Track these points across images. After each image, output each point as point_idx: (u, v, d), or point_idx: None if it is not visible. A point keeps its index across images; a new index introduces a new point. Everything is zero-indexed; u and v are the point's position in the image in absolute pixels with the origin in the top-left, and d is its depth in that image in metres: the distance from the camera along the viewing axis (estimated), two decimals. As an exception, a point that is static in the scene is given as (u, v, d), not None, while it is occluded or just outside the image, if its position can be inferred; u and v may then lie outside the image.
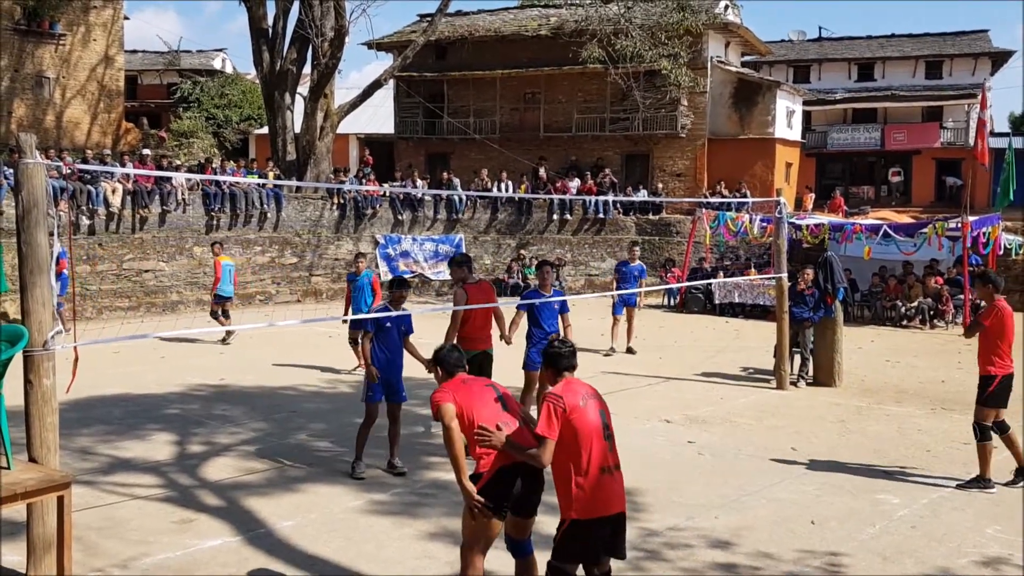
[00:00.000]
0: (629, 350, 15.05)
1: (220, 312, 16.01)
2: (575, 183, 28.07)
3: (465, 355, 5.52)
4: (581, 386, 4.79)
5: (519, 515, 4.90)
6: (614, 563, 4.93)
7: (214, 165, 23.68)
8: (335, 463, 8.37)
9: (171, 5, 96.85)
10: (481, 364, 8.50)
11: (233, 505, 7.12)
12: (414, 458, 8.50)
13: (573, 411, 4.58)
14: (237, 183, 22.02)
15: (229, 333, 15.53)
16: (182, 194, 21.00)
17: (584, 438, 4.57)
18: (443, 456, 8.49)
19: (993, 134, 28.62)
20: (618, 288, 15.33)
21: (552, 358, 4.91)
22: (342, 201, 24.35)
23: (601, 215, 26.59)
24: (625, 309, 15.33)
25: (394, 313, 8.11)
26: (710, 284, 21.44)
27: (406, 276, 24.59)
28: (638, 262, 15.80)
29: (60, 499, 4.94)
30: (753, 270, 22.07)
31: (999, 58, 37.07)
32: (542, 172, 28.62)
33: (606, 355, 14.95)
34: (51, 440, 5.10)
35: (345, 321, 13.16)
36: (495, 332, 9.01)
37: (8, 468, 4.98)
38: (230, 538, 6.43)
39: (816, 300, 12.65)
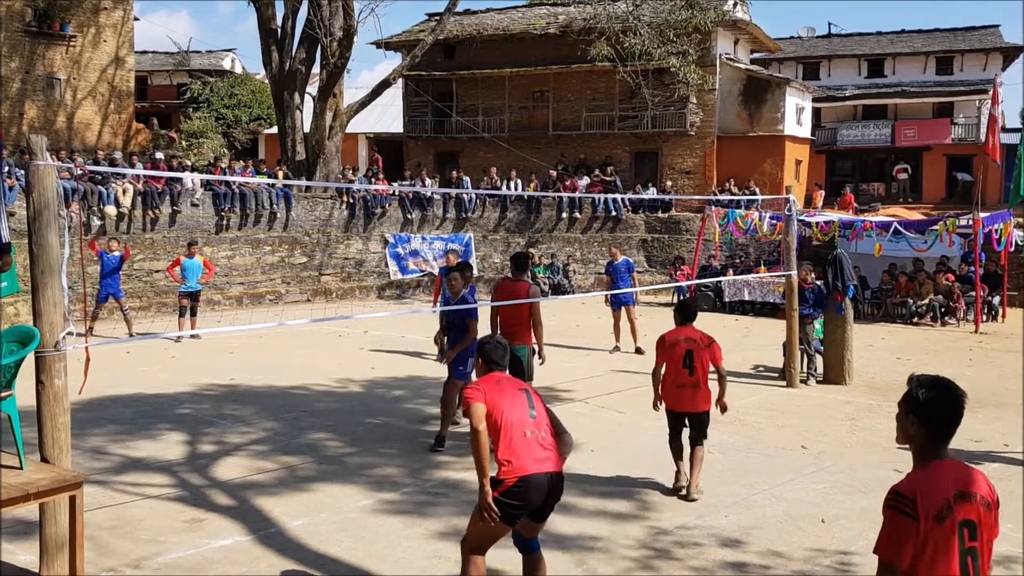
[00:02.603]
0: (638, 350, 15.02)
1: (188, 310, 16.02)
2: (584, 181, 28.07)
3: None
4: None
5: (533, 519, 4.86)
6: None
7: (223, 165, 23.73)
8: (345, 462, 8.40)
9: (184, 6, 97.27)
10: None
11: (244, 504, 7.15)
12: (424, 457, 8.51)
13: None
14: (247, 183, 22.09)
15: (181, 337, 15.22)
16: (199, 194, 21.16)
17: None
18: (453, 455, 8.51)
19: (1004, 130, 28.44)
20: (613, 287, 15.38)
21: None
22: (351, 200, 24.41)
23: (614, 213, 26.59)
24: (624, 308, 15.31)
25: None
26: (720, 282, 21.41)
27: (416, 274, 24.88)
28: (622, 258, 15.82)
29: (72, 499, 4.97)
30: (763, 268, 22.02)
31: (1010, 53, 36.86)
32: (552, 173, 28.61)
33: (611, 353, 14.97)
34: (63, 440, 5.13)
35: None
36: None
37: (21, 468, 5.01)
38: (241, 537, 6.45)
39: (816, 296, 12.65)
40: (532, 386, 5.29)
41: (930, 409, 3.09)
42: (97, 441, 8.96)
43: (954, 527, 2.95)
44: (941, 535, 2.93)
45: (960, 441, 9.34)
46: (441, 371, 13.25)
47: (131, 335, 15.15)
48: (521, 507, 4.67)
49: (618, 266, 15.58)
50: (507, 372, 5.18)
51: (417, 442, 9.07)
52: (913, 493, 2.95)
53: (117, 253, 16.19)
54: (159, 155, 25.51)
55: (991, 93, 21.80)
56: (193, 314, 16.18)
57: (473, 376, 6.48)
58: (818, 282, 13.03)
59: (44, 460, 5.10)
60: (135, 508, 7.02)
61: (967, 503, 3.00)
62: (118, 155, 23.01)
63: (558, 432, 4.92)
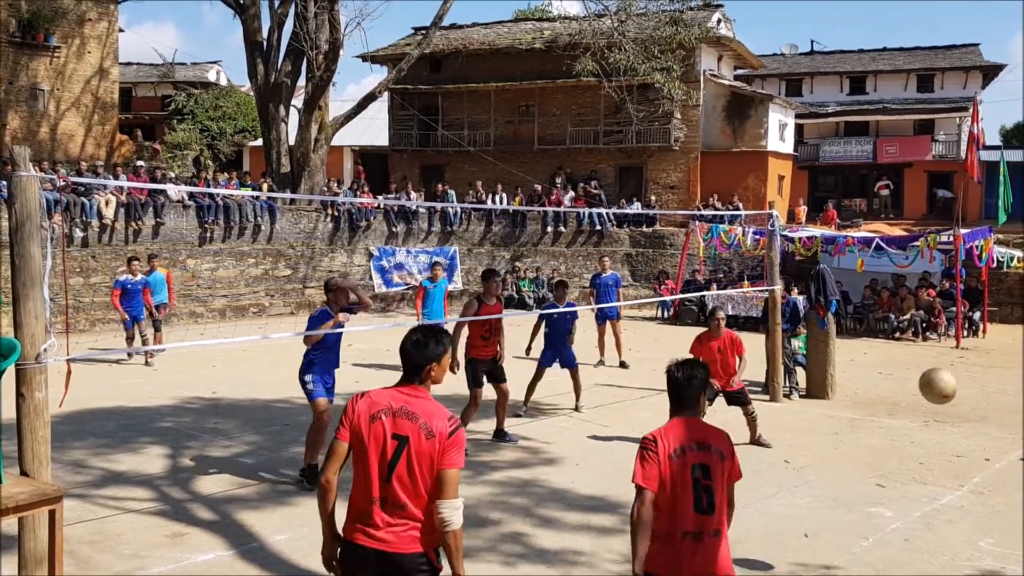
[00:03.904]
0: (622, 364, 15.04)
1: (152, 326, 15.04)
2: (569, 195, 28.17)
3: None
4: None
5: None
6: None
7: (207, 177, 23.66)
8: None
9: (170, 18, 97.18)
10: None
11: (226, 519, 7.09)
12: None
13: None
14: (231, 195, 22.03)
15: (148, 355, 14.72)
16: (181, 202, 21.04)
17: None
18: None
19: (984, 147, 28.76)
20: (598, 301, 15.34)
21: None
22: (336, 213, 24.37)
23: (598, 227, 26.69)
24: (608, 322, 15.31)
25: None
26: (703, 296, 21.48)
27: (401, 287, 24.87)
28: (610, 272, 15.82)
29: (52, 513, 4.91)
30: (746, 282, 22.12)
31: (990, 71, 37.31)
32: (538, 187, 28.67)
33: (595, 366, 14.95)
34: (43, 453, 5.08)
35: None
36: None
37: (0, 482, 4.95)
38: (223, 552, 6.40)
39: (791, 310, 12.75)
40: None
41: (669, 384, 4.17)
42: (78, 454, 8.89)
43: (687, 465, 3.94)
44: (677, 470, 3.92)
45: (941, 456, 9.41)
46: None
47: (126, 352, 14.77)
48: None
49: (605, 279, 15.55)
50: None
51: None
52: (655, 438, 4.03)
53: (140, 278, 14.91)
54: (140, 163, 25.43)
55: (971, 111, 22.07)
56: (157, 329, 15.15)
57: None
58: (794, 297, 13.11)
59: (24, 473, 5.05)
60: (116, 522, 6.96)
61: (702, 451, 4.00)
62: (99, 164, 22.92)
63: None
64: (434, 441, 3.57)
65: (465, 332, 9.57)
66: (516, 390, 10.36)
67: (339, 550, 3.75)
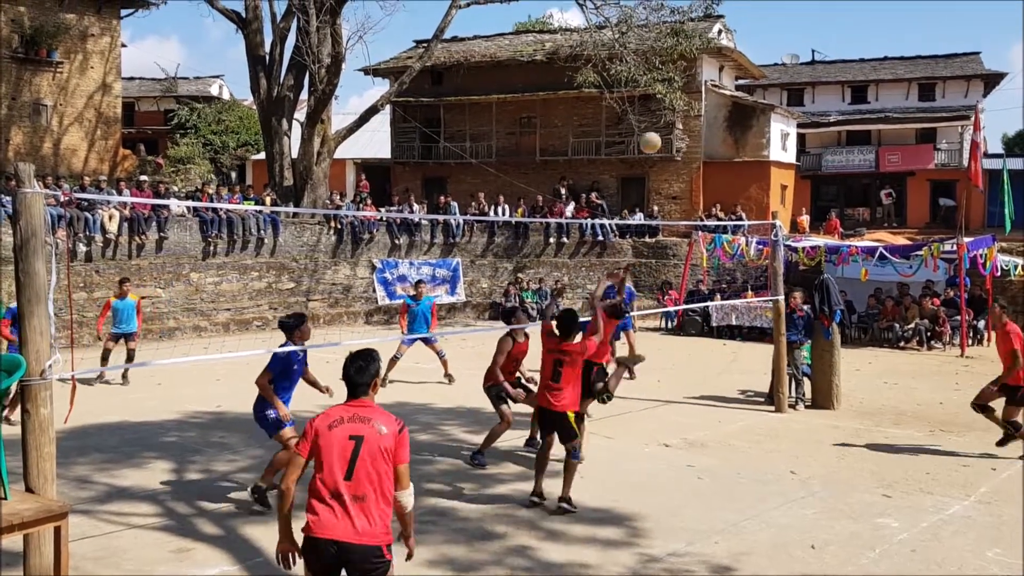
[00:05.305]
0: (630, 375, 14.99)
1: (127, 350, 14.14)
2: (571, 207, 28.19)
3: None
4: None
5: None
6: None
7: (210, 191, 23.72)
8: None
9: (174, 32, 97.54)
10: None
11: (231, 534, 7.08)
12: (414, 484, 8.45)
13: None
14: (234, 209, 22.07)
15: (124, 375, 14.22)
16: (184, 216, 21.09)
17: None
18: (442, 483, 8.46)
19: (986, 155, 28.76)
20: None
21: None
22: (339, 226, 24.40)
23: (601, 238, 26.70)
24: (623, 333, 15.26)
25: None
26: (707, 307, 21.46)
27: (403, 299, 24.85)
28: (627, 285, 15.65)
29: (57, 529, 4.91)
30: (750, 292, 22.11)
31: (991, 80, 37.33)
32: (539, 198, 28.69)
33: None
34: (48, 470, 5.07)
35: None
36: None
37: (5, 498, 4.95)
38: (228, 567, 6.39)
39: (806, 322, 12.67)
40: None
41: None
42: (83, 470, 8.88)
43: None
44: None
45: (948, 465, 9.37)
46: (425, 398, 13.22)
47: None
48: None
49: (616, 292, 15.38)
50: None
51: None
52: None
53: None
54: (143, 178, 25.47)
55: (973, 119, 22.08)
56: (130, 359, 13.87)
57: None
58: (806, 307, 13.08)
59: (29, 490, 5.04)
60: (121, 538, 6.94)
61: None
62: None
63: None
64: (387, 436, 4.29)
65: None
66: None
67: (301, 544, 4.31)
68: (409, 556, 4.57)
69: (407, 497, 4.42)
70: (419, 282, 15.25)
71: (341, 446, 4.25)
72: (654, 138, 19.55)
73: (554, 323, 8.20)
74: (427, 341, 14.29)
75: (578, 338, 8.01)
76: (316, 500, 4.24)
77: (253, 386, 7.79)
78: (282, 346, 7.81)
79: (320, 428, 4.32)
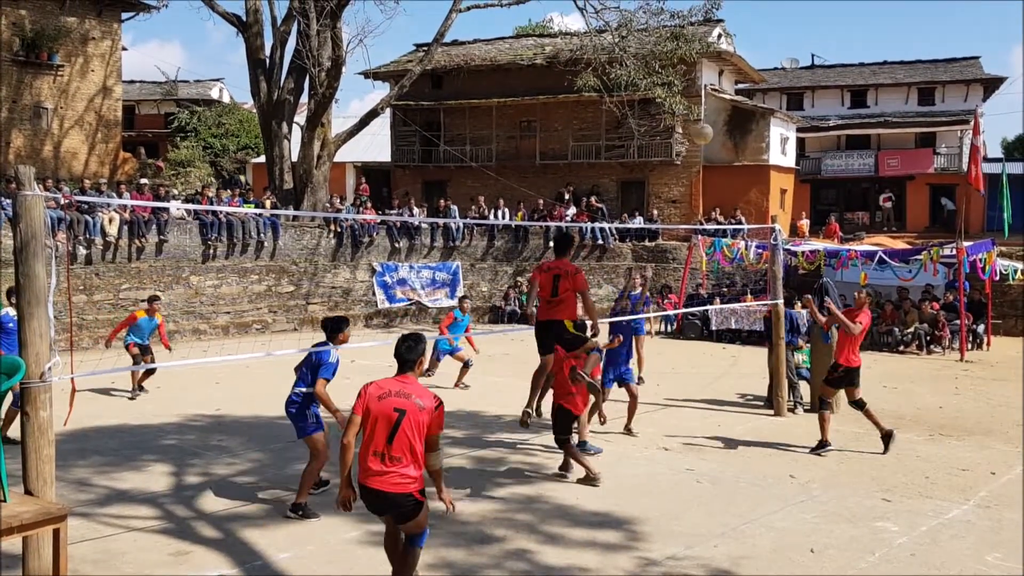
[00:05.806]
0: (639, 379, 14.92)
1: (142, 356, 13.66)
2: (571, 211, 28.20)
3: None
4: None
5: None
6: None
7: (210, 194, 23.71)
8: (332, 493, 8.31)
9: (176, 36, 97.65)
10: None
11: (230, 537, 7.08)
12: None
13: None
14: (234, 212, 22.08)
15: (142, 386, 13.70)
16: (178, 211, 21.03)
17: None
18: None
19: (986, 159, 28.77)
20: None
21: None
22: (339, 229, 24.41)
23: (600, 242, 26.72)
24: (634, 338, 15.07)
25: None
26: (707, 310, 21.46)
27: (404, 303, 24.87)
28: (639, 290, 15.43)
29: (56, 532, 4.91)
30: (749, 296, 22.11)
31: (991, 84, 37.35)
32: (540, 201, 28.70)
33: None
34: (47, 472, 5.08)
35: None
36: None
37: (4, 500, 4.95)
38: (227, 570, 6.39)
39: (789, 323, 12.71)
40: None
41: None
42: (82, 473, 8.88)
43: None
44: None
45: (947, 469, 9.38)
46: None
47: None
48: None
49: (635, 298, 15.10)
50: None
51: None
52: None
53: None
54: (144, 181, 25.47)
55: (972, 123, 22.09)
56: (151, 372, 13.59)
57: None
58: (795, 311, 13.05)
59: (28, 492, 5.04)
60: (120, 541, 6.94)
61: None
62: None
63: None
64: (424, 412, 5.19)
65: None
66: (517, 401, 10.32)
67: (359, 491, 5.29)
68: (450, 509, 5.48)
69: (438, 458, 5.37)
70: (464, 298, 15.88)
71: (387, 416, 5.16)
72: (707, 129, 19.36)
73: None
74: (454, 352, 14.60)
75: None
76: (366, 458, 5.19)
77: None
78: (316, 346, 7.98)
79: (372, 396, 5.23)
